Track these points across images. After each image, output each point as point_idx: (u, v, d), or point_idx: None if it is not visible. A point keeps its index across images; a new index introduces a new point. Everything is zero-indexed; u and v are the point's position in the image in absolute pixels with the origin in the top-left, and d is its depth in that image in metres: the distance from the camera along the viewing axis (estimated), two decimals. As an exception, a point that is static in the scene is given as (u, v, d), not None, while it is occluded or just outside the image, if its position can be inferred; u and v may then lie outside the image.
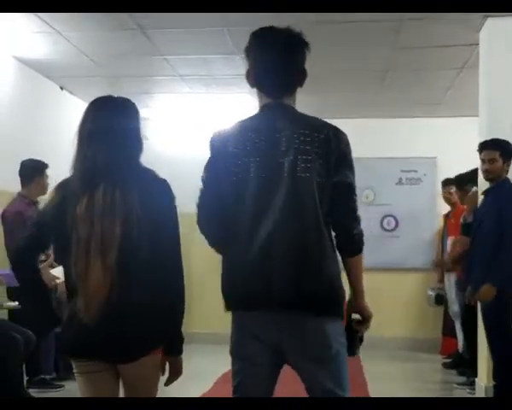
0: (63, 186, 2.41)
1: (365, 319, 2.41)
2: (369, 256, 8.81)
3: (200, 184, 2.39)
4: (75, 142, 2.38)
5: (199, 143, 8.46)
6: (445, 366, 6.78)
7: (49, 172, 5.63)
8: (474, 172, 5.44)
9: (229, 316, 2.39)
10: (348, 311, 2.42)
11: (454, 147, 7.93)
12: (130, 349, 2.29)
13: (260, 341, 2.25)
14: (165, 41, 5.67)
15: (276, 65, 2.34)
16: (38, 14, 4.97)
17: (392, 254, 8.35)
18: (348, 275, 2.34)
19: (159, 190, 2.39)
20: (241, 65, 6.26)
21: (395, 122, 8.39)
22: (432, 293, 7.18)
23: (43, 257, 4.85)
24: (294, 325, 2.22)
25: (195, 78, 6.77)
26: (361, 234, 2.33)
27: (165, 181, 2.44)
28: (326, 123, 2.34)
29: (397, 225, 8.46)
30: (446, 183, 7.06)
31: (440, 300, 7.02)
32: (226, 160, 2.31)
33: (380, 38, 5.56)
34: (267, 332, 2.24)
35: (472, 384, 5.49)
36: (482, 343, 5.14)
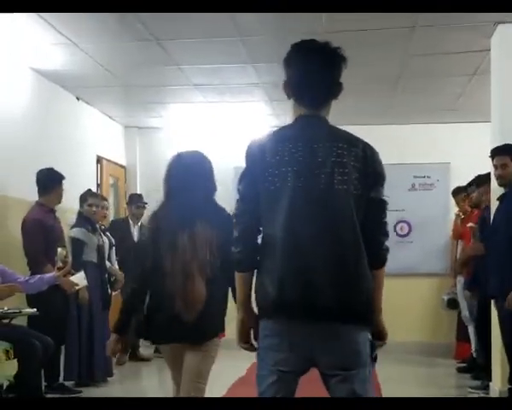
0: (156, 219, 3.29)
1: (382, 337, 2.45)
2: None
3: (236, 196, 2.45)
4: (164, 186, 3.33)
5: (213, 152, 8.60)
6: (460, 370, 6.79)
7: (67, 179, 5.77)
8: (489, 175, 5.47)
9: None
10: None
11: (467, 153, 7.95)
12: (206, 334, 3.22)
13: (293, 349, 2.29)
14: (179, 51, 5.75)
15: (316, 77, 2.39)
16: (55, 25, 5.06)
17: (405, 260, 8.35)
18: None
19: (230, 224, 2.89)
20: (253, 74, 6.35)
21: (408, 128, 8.43)
22: (445, 297, 7.24)
23: (60, 264, 4.95)
24: (330, 335, 2.26)
25: (209, 87, 6.85)
26: (388, 249, 2.43)
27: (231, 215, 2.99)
28: (360, 138, 2.42)
29: (410, 230, 8.49)
30: (457, 191, 7.11)
31: (453, 304, 7.05)
32: (264, 169, 2.34)
33: (392, 45, 5.60)
34: (302, 341, 2.27)
35: (486, 388, 5.51)
36: (496, 347, 5.19)
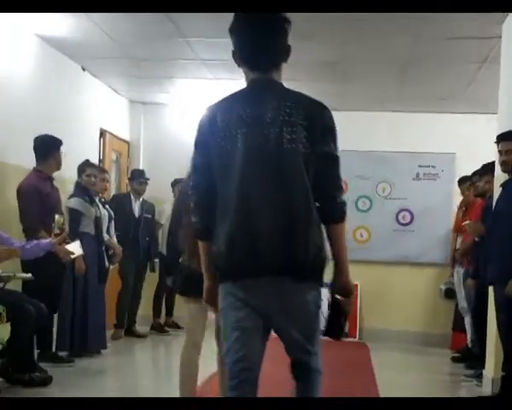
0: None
1: (346, 294, 2.51)
2: (383, 250, 8.74)
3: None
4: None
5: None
6: (454, 359, 6.79)
7: (69, 150, 5.72)
8: (493, 164, 5.41)
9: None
10: (333, 290, 2.51)
11: (473, 143, 7.87)
12: None
13: (249, 306, 2.39)
14: (188, 23, 5.65)
15: (261, 42, 2.45)
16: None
17: (406, 249, 8.33)
18: (332, 246, 2.44)
19: None
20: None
21: (415, 117, 8.35)
22: (443, 287, 7.22)
23: (57, 231, 4.91)
24: (279, 290, 2.37)
25: (218, 63, 6.69)
26: (345, 203, 2.46)
27: None
28: (310, 97, 2.48)
29: (412, 219, 8.42)
30: (462, 180, 7.07)
31: (450, 294, 7.05)
32: (215, 134, 2.41)
33: (401, 30, 5.52)
34: (256, 298, 2.38)
35: (479, 377, 5.49)
36: (491, 335, 5.17)
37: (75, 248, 5.33)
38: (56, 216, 4.95)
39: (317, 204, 2.41)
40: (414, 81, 7.10)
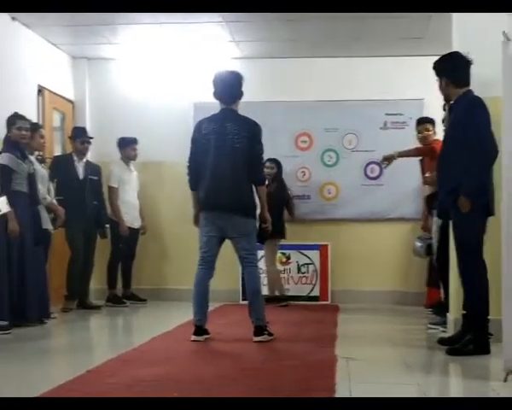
0: None
1: (265, 222, 5.00)
2: (352, 206, 8.23)
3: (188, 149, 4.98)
4: None
5: (172, 88, 7.94)
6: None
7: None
8: None
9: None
10: (259, 219, 4.94)
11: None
12: None
13: (213, 224, 4.84)
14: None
15: (226, 88, 4.87)
16: None
17: (376, 204, 7.88)
18: (258, 197, 4.88)
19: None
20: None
21: (379, 61, 7.86)
22: (422, 244, 6.64)
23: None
24: (230, 219, 4.79)
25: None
26: (264, 178, 5.16)
27: None
28: (249, 120, 4.86)
29: (381, 172, 7.92)
30: (421, 121, 6.62)
31: (431, 250, 6.57)
32: (201, 137, 4.82)
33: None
34: (217, 221, 4.83)
35: (445, 323, 5.32)
36: (453, 278, 5.05)
37: (1, 204, 4.92)
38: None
39: (250, 176, 4.81)
40: (374, 22, 6.63)
